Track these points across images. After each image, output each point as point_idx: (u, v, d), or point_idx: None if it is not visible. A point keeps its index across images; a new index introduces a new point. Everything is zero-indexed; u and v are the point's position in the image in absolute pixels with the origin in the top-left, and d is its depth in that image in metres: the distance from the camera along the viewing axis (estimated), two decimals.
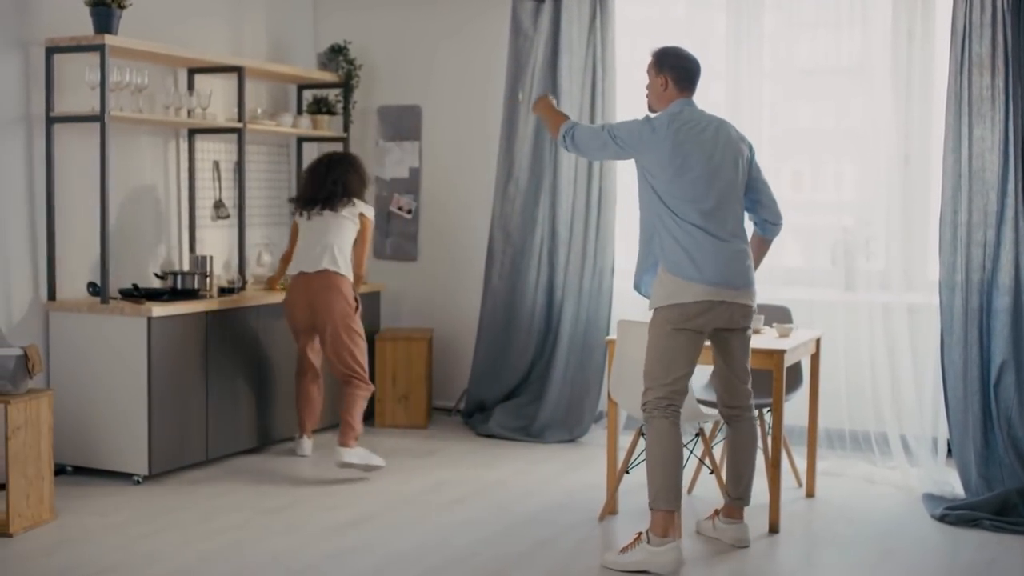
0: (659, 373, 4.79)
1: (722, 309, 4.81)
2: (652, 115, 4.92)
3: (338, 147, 7.70)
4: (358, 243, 6.33)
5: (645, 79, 5.02)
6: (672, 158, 4.77)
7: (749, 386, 5.05)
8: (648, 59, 5.01)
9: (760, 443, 5.57)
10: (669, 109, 4.90)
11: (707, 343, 4.99)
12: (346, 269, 6.23)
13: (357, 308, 6.27)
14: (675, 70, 4.93)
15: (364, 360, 6.26)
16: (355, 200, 6.30)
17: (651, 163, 4.82)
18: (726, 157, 4.88)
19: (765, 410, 5.61)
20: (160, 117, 6.35)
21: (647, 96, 5.02)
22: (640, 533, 4.79)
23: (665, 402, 4.77)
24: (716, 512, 5.14)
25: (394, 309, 7.80)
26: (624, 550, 4.77)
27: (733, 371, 5.01)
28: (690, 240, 4.76)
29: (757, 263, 5.17)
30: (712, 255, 4.77)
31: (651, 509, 4.76)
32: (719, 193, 4.82)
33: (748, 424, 5.07)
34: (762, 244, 5.20)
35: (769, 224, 5.15)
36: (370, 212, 6.37)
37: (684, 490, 5.13)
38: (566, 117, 5.16)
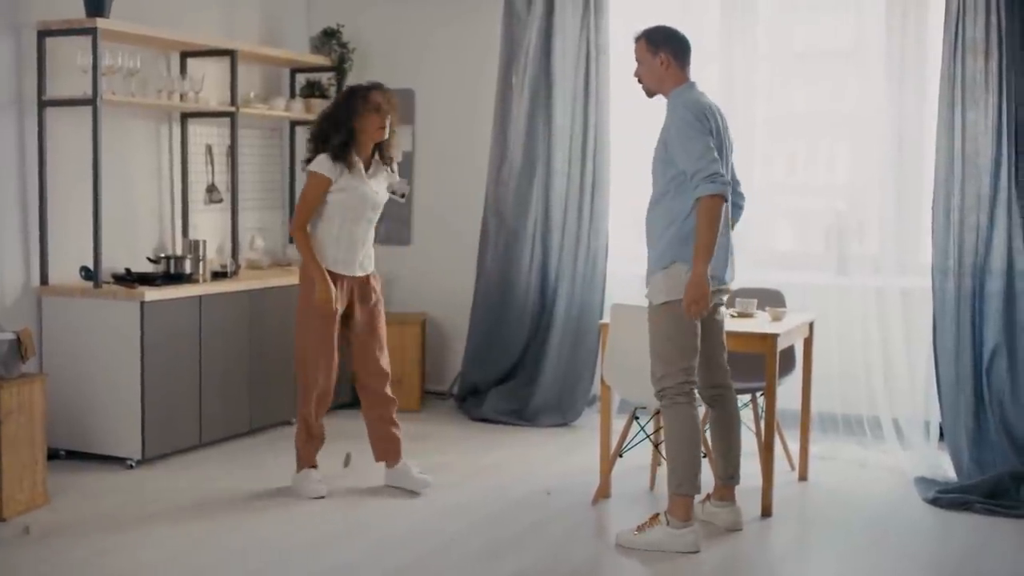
0: (676, 357, 4.74)
1: (717, 293, 4.86)
2: (688, 107, 4.69)
3: None
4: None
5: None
6: (721, 148, 4.72)
7: (726, 363, 5.07)
8: (635, 43, 4.87)
9: (753, 426, 5.59)
10: (692, 94, 4.76)
11: None
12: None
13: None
14: (672, 46, 4.81)
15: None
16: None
17: None
18: (732, 142, 4.89)
19: (758, 394, 5.61)
20: (152, 101, 6.32)
21: (643, 80, 4.87)
22: (658, 514, 4.80)
23: (687, 386, 4.76)
24: (707, 496, 5.14)
25: (387, 293, 7.76)
26: (640, 529, 4.78)
27: (716, 348, 4.99)
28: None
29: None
30: (724, 248, 4.77)
31: (675, 495, 4.75)
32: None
33: (732, 402, 5.08)
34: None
35: (738, 208, 5.04)
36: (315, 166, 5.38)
37: None
38: (706, 211, 4.59)
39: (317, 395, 5.47)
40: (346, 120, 5.35)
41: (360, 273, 5.51)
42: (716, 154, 4.61)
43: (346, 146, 5.34)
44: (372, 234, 5.58)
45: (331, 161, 5.32)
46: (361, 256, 5.50)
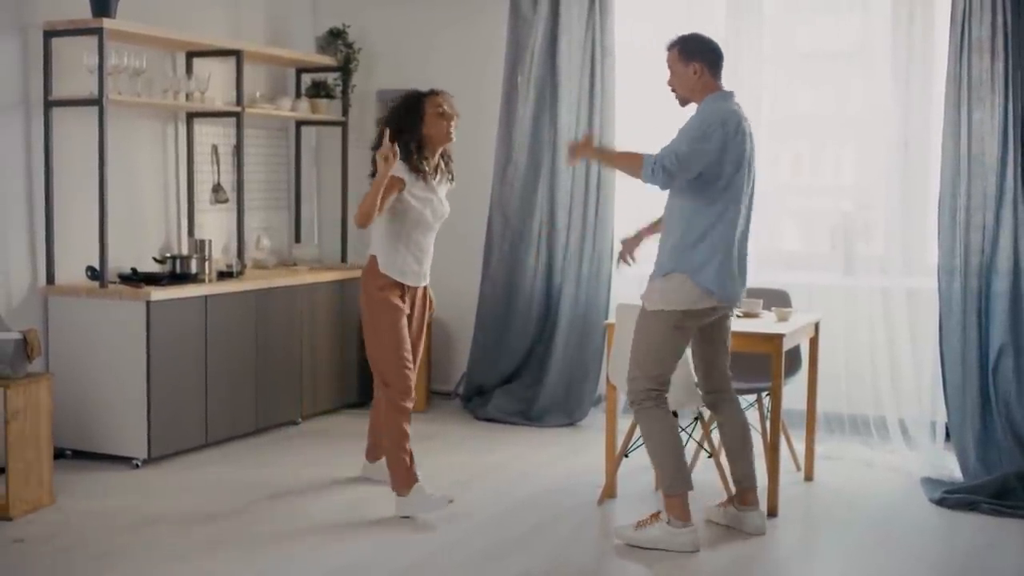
0: (650, 366, 4.76)
1: (723, 308, 4.84)
2: (707, 117, 4.66)
3: (337, 131, 7.69)
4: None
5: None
6: (740, 159, 4.67)
7: (728, 369, 5.07)
8: (667, 51, 4.80)
9: (759, 426, 5.58)
10: (721, 104, 4.71)
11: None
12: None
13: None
14: (705, 56, 4.75)
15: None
16: None
17: (722, 165, 4.64)
18: (755, 155, 4.83)
19: (764, 394, 5.61)
20: (158, 101, 6.33)
21: (676, 90, 4.80)
22: (659, 512, 4.79)
23: (655, 392, 4.78)
24: (729, 500, 5.11)
25: None
26: (640, 525, 4.78)
27: (720, 354, 4.98)
28: (725, 248, 4.71)
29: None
30: (738, 267, 4.76)
31: (667, 496, 4.75)
32: (750, 195, 4.79)
33: (733, 406, 5.08)
34: None
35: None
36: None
37: None
38: (634, 153, 4.75)
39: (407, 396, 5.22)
40: (413, 127, 5.17)
41: (423, 283, 5.42)
42: (689, 167, 4.58)
43: (418, 152, 5.18)
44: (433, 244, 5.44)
45: (405, 166, 5.14)
46: (426, 267, 5.40)
